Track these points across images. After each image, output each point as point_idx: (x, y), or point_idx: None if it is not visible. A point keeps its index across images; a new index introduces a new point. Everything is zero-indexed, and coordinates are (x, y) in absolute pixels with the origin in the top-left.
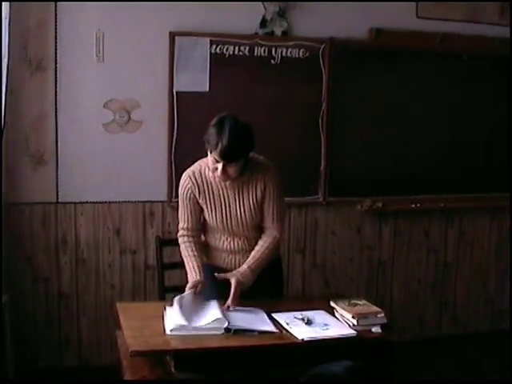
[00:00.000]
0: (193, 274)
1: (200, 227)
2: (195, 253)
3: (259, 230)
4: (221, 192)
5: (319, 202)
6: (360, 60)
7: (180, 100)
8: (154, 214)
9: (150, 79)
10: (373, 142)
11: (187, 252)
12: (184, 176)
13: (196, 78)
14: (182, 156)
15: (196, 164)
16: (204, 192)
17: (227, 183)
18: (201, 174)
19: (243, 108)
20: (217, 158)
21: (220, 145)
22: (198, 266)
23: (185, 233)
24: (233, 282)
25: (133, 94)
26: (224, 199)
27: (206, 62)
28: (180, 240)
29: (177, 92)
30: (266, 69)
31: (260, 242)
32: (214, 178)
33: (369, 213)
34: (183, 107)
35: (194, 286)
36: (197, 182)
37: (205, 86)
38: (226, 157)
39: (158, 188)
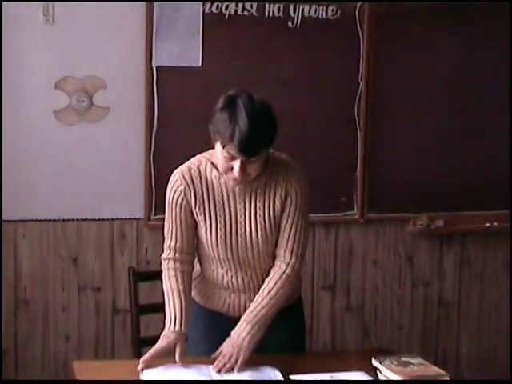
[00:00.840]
0: (171, 322)
1: (194, 250)
2: (181, 287)
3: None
4: (225, 199)
5: (355, 219)
6: (414, 22)
7: (162, 78)
8: (126, 237)
9: (119, 49)
10: (431, 136)
11: (170, 283)
12: (175, 175)
13: (184, 49)
14: (164, 155)
15: (194, 159)
16: (202, 198)
17: (236, 188)
18: (199, 173)
19: (249, 90)
20: (233, 153)
21: (237, 134)
22: (180, 311)
23: (171, 255)
24: (225, 346)
25: (96, 70)
26: (229, 210)
27: (197, 25)
28: (164, 264)
29: (157, 67)
30: (281, 35)
31: (266, 280)
32: (218, 178)
33: (425, 234)
34: (166, 88)
35: (164, 351)
36: (193, 184)
37: (196, 59)
38: (247, 150)
39: (132, 200)
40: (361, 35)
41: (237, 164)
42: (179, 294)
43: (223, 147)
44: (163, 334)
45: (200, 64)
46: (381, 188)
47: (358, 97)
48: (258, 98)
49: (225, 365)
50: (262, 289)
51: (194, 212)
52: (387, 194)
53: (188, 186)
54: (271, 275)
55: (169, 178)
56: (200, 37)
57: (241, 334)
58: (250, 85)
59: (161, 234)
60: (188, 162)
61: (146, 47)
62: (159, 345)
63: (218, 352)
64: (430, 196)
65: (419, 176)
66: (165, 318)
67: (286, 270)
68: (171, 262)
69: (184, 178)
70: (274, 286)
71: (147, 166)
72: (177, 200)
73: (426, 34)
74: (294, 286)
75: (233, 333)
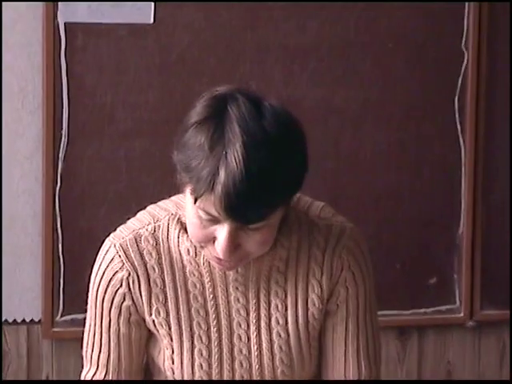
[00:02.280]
0: None
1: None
2: None
3: None
4: (209, 294)
5: (456, 320)
6: None
7: (77, 47)
8: (9, 357)
9: None
10: None
11: None
12: (108, 250)
13: None
14: (82, 197)
15: (144, 216)
16: (163, 295)
17: (230, 272)
18: (156, 245)
19: (243, 69)
20: (214, 212)
21: (222, 178)
22: None
23: None
24: None
25: None
26: (217, 315)
27: None
28: None
29: (68, 26)
30: None
31: None
32: (193, 253)
33: None
34: (86, 66)
35: None
36: (145, 268)
37: (145, 13)
38: (240, 210)
39: (20, 288)
40: None
41: (222, 231)
42: None
43: (195, 200)
44: None
45: (151, 20)
46: (507, 260)
47: (460, 80)
48: (268, 103)
49: None
50: None
51: (148, 320)
52: None
53: (134, 271)
54: None
55: (93, 248)
56: None
57: None
58: (243, 56)
59: (73, 349)
60: (133, 223)
61: None
62: None
63: None
64: None
65: None
66: None
67: None
68: None
69: (126, 255)
70: None
71: (48, 220)
72: (111, 299)
73: None
74: None
75: None
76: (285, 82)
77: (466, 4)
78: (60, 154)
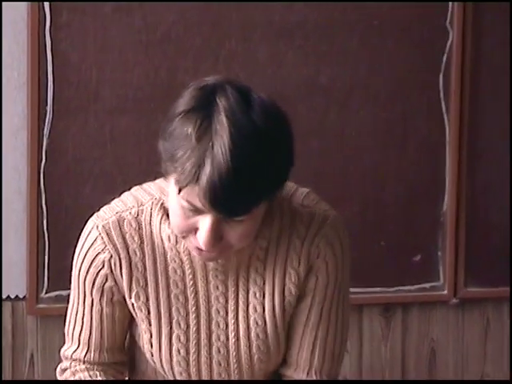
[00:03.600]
0: None
1: (123, 358)
2: None
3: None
4: (189, 281)
5: (440, 297)
6: None
7: (61, 25)
8: None
9: None
10: None
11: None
12: (90, 231)
13: None
14: (67, 173)
15: (129, 198)
16: (144, 278)
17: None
18: (139, 229)
19: (229, 47)
20: (198, 203)
21: (208, 171)
22: None
23: (80, 366)
24: None
25: None
26: (197, 301)
27: None
28: (64, 373)
29: (51, 2)
30: None
31: None
32: (174, 241)
33: None
34: (71, 43)
35: None
36: (126, 251)
37: None
38: (225, 203)
39: (4, 267)
40: None
41: (205, 222)
42: None
43: (179, 190)
44: None
45: None
46: (491, 237)
47: (444, 58)
48: (257, 94)
49: None
50: None
51: (129, 303)
52: (504, 249)
53: (116, 253)
54: None
55: (78, 225)
56: None
57: None
58: (228, 34)
59: (58, 326)
60: (117, 205)
61: None
62: None
63: None
64: None
65: None
66: None
67: None
68: (82, 373)
69: (109, 237)
70: None
71: (32, 196)
72: (93, 279)
73: None
74: None
75: None
76: (270, 60)
77: None
78: (45, 131)
